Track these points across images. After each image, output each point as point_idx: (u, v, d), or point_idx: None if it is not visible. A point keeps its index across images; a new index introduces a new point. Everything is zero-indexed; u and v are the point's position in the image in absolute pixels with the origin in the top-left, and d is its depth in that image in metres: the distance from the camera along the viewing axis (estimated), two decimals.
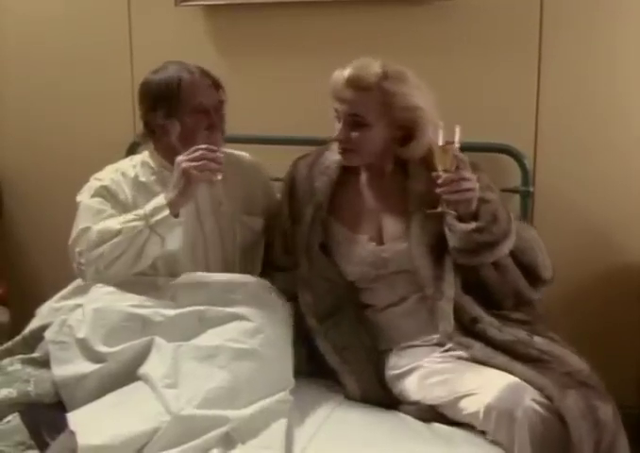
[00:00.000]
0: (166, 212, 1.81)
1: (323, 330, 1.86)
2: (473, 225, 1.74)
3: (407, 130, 1.84)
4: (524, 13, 2.26)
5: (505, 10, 2.27)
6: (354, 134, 1.83)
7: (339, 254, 1.90)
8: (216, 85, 1.97)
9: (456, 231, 1.75)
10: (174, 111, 1.92)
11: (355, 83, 1.81)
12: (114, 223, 1.85)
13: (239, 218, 2.02)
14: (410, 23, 2.35)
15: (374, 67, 1.82)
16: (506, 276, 1.85)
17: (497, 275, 1.84)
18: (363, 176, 1.96)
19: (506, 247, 1.77)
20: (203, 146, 1.81)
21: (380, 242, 1.89)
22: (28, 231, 2.91)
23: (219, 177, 1.81)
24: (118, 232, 1.82)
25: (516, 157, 2.27)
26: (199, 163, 1.79)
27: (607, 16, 2.21)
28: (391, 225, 1.89)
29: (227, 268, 1.98)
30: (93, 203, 1.94)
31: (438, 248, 1.82)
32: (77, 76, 2.72)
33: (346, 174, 1.95)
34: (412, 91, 1.82)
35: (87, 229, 1.88)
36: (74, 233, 1.92)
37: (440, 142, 1.70)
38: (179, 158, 1.82)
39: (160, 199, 1.83)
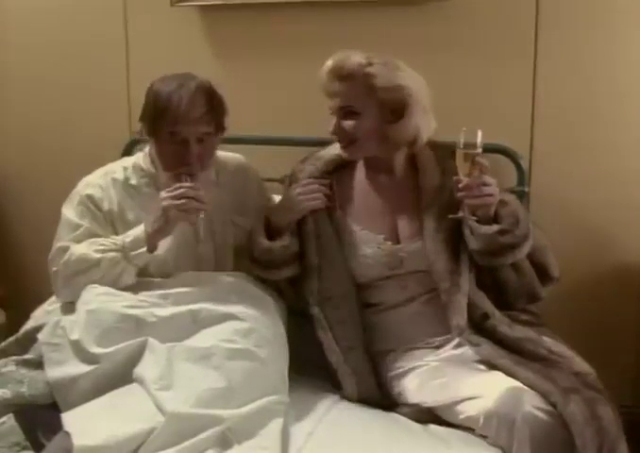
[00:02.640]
0: (144, 248, 1.84)
1: (328, 324, 1.85)
2: (496, 227, 1.75)
3: (398, 113, 1.84)
4: (520, 14, 2.26)
5: (501, 11, 2.28)
6: (347, 123, 1.85)
7: (350, 254, 1.88)
8: (214, 111, 1.90)
9: (479, 234, 1.76)
10: (152, 131, 1.91)
11: (338, 72, 1.84)
12: (92, 249, 1.87)
13: (232, 219, 2.02)
14: (406, 23, 2.35)
15: (355, 56, 1.85)
16: (523, 277, 1.85)
17: (516, 276, 1.84)
18: (369, 173, 1.95)
19: (526, 248, 1.78)
20: (186, 184, 1.82)
21: (397, 241, 1.88)
22: (25, 232, 2.91)
23: (201, 216, 1.82)
24: (97, 262, 1.85)
25: (512, 157, 2.27)
26: (180, 202, 1.80)
27: (603, 16, 2.22)
28: (406, 223, 1.89)
29: (219, 270, 1.97)
30: (73, 217, 1.96)
31: (453, 243, 1.82)
32: (73, 76, 2.71)
33: (347, 167, 1.96)
34: (394, 72, 1.84)
35: (65, 249, 1.90)
36: (53, 249, 1.95)
37: (461, 147, 1.71)
38: (162, 194, 1.83)
39: (140, 232, 1.86)
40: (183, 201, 1.80)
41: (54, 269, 1.93)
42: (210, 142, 1.93)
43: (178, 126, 1.85)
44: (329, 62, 1.87)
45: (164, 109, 1.85)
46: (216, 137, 1.95)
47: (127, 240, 1.86)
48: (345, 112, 1.85)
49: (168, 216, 1.81)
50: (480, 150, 1.71)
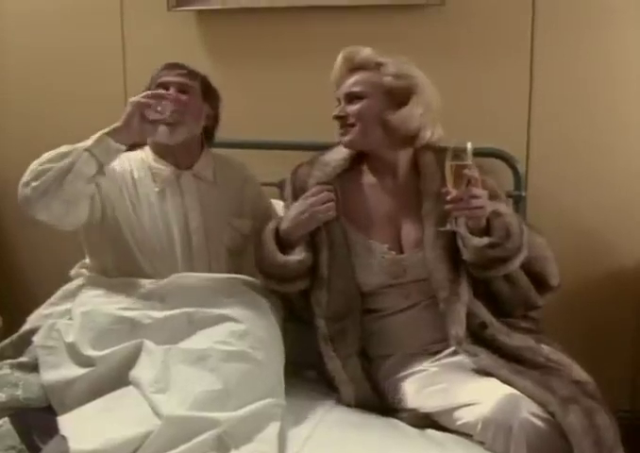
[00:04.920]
0: (104, 131, 1.82)
1: (329, 335, 1.84)
2: (486, 240, 1.73)
3: (403, 101, 1.85)
4: (516, 17, 2.28)
5: (497, 15, 2.29)
6: (352, 108, 1.87)
7: (356, 262, 1.86)
8: (190, 74, 2.03)
9: (469, 246, 1.74)
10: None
11: (350, 64, 1.88)
12: None
13: (228, 220, 2.02)
14: (403, 28, 2.36)
15: (365, 48, 1.90)
16: (517, 288, 1.84)
17: (508, 287, 1.83)
18: (373, 178, 1.94)
19: (519, 261, 1.76)
20: (156, 92, 1.92)
21: (400, 250, 1.86)
22: (23, 236, 2.90)
23: (163, 115, 1.85)
24: (51, 152, 1.82)
25: (509, 161, 2.27)
26: (143, 94, 1.88)
27: (598, 19, 2.23)
28: (409, 229, 1.87)
29: (213, 271, 1.96)
30: None
31: (453, 251, 1.80)
32: (71, 81, 2.71)
33: (350, 172, 1.94)
34: (405, 64, 1.88)
35: None
36: None
37: (450, 159, 1.68)
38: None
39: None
40: (147, 94, 1.86)
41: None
42: (194, 97, 2.00)
43: (163, 78, 2.01)
44: (341, 56, 1.90)
45: (153, 75, 2.04)
46: (204, 103, 2.04)
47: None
48: (351, 97, 1.87)
49: (133, 107, 1.82)
50: (469, 162, 1.68)
